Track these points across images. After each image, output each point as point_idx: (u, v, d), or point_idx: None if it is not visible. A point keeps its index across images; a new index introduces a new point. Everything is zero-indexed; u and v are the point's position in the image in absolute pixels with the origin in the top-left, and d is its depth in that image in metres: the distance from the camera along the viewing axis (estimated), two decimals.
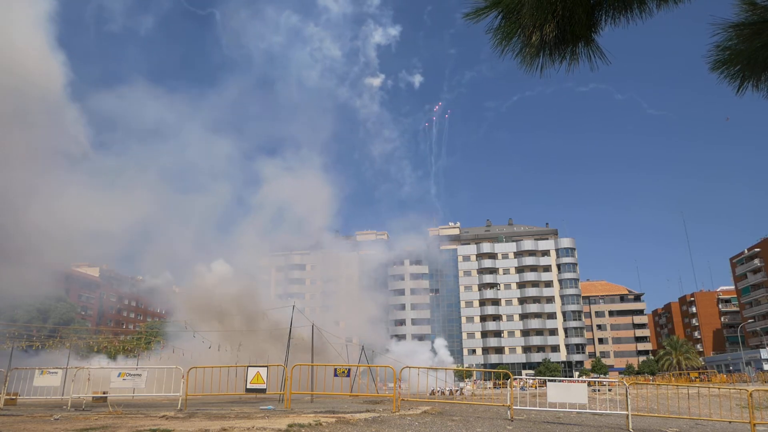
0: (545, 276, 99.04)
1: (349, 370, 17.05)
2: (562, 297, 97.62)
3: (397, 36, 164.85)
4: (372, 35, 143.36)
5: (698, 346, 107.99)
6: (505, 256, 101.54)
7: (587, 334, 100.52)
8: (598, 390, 24.53)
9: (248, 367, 16.19)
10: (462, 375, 57.31)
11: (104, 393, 20.00)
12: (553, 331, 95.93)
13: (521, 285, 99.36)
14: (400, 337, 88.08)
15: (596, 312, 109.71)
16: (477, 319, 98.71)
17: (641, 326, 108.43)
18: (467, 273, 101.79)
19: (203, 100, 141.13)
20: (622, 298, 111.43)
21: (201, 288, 48.43)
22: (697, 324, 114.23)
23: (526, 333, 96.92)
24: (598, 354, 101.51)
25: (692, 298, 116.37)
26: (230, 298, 46.16)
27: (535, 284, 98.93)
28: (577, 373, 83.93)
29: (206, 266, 51.72)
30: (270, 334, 35.28)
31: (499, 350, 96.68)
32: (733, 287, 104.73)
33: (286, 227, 78.90)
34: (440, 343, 70.96)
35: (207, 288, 47.66)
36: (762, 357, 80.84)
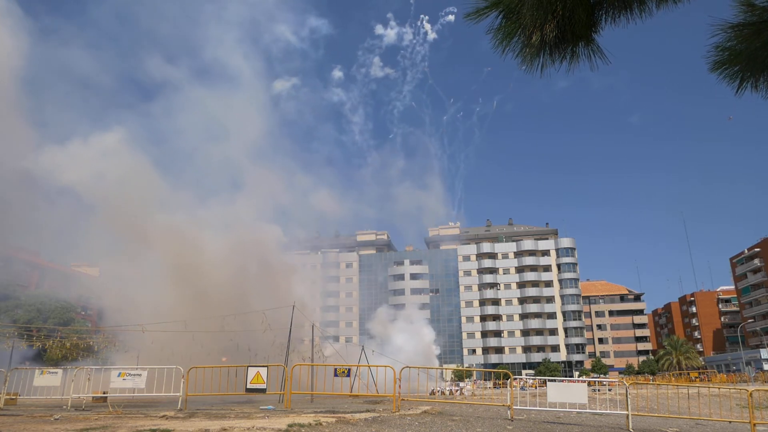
0: (545, 276, 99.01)
1: (349, 370, 17.06)
2: (562, 297, 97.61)
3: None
4: None
5: (698, 346, 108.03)
6: (505, 256, 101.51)
7: (587, 334, 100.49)
8: (598, 390, 24.50)
9: (248, 367, 16.20)
10: (462, 375, 57.28)
11: (104, 393, 19.99)
12: (553, 331, 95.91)
13: (521, 285, 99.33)
14: None
15: (596, 312, 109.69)
16: (477, 319, 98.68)
17: (641, 326, 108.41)
18: (467, 273, 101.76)
19: None
20: (622, 298, 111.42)
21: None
22: (697, 324, 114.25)
23: (526, 333, 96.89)
24: (598, 354, 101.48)
25: (692, 298, 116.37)
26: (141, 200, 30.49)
27: (535, 284, 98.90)
28: (577, 373, 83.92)
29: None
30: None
31: (499, 350, 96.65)
32: (733, 287, 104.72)
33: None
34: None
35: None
36: (762, 357, 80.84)
